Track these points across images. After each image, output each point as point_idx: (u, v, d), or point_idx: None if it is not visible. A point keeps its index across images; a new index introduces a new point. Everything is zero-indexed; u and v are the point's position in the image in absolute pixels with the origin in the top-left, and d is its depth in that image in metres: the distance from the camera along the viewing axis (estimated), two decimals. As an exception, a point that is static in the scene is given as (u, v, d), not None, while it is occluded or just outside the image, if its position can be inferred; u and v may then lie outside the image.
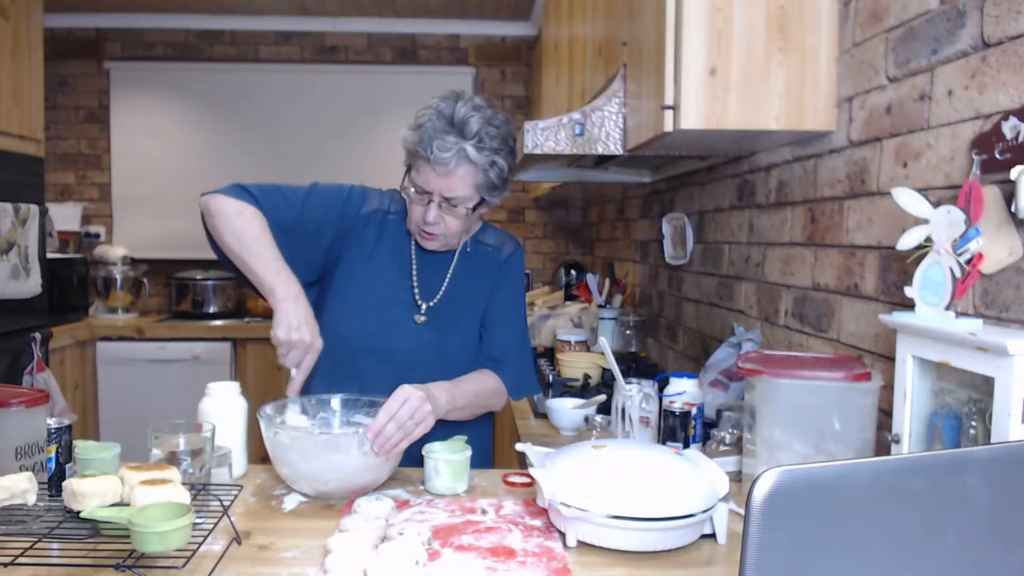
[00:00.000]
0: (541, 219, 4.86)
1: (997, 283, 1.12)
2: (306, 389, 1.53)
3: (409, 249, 1.65)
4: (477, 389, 1.57)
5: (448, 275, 1.65)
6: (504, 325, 1.67)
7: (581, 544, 1.16)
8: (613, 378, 1.75)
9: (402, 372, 1.51)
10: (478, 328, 1.66)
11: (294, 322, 1.43)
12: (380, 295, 1.61)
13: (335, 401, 1.51)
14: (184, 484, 1.15)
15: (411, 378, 1.45)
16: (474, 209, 1.54)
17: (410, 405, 1.34)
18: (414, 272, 1.63)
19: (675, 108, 1.53)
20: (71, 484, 1.10)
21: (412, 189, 1.53)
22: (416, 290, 1.63)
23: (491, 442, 1.80)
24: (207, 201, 1.54)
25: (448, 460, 1.39)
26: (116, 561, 0.99)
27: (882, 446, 1.28)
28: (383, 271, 1.62)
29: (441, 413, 1.44)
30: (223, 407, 1.45)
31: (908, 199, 1.18)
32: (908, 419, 1.14)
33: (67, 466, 1.33)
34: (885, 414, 1.33)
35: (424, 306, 1.62)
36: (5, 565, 1.00)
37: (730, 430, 1.58)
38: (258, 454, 1.42)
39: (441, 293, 1.64)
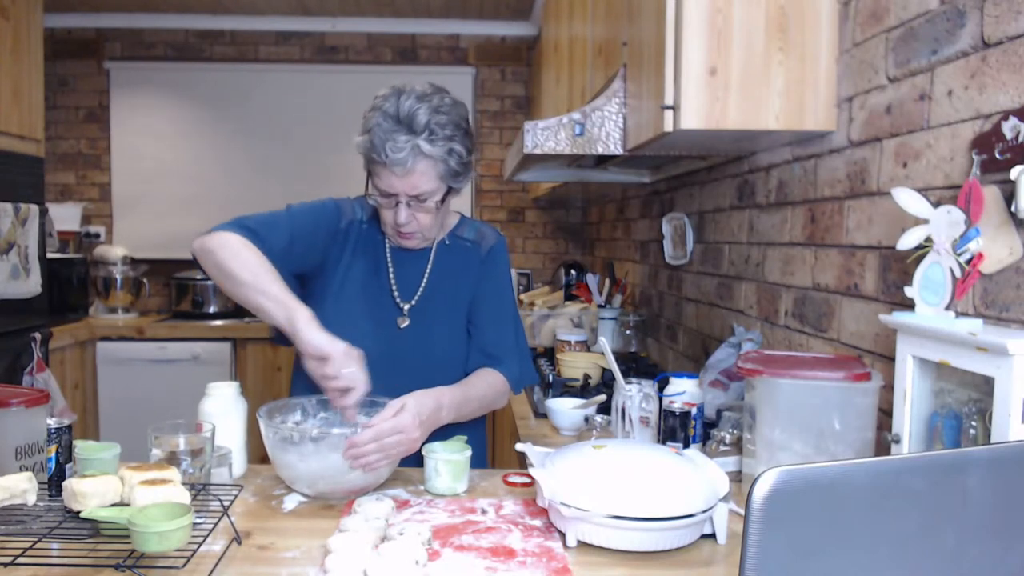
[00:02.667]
0: (541, 219, 4.86)
1: (997, 283, 1.12)
2: (291, 393, 1.53)
3: (384, 252, 1.63)
4: (484, 395, 1.56)
5: (426, 272, 1.63)
6: (496, 320, 1.66)
7: (581, 544, 1.16)
8: (613, 378, 1.75)
9: (390, 378, 1.50)
10: (464, 325, 1.65)
11: (317, 349, 1.34)
12: (360, 302, 1.59)
13: None
14: (184, 484, 1.16)
15: (397, 382, 1.44)
16: (443, 199, 1.53)
17: (399, 439, 1.31)
18: (391, 273, 1.62)
19: (675, 108, 1.53)
20: (71, 484, 1.10)
21: (377, 195, 1.51)
22: (395, 292, 1.61)
23: (486, 442, 1.79)
24: (204, 241, 1.46)
25: (448, 460, 1.39)
26: (116, 561, 0.99)
27: (882, 446, 1.28)
28: (360, 278, 1.60)
29: (442, 424, 1.44)
30: (223, 407, 1.45)
31: (908, 199, 1.18)
32: (908, 419, 1.14)
33: (67, 466, 1.33)
34: (885, 414, 1.33)
35: (406, 307, 1.61)
36: (5, 565, 1.00)
37: (730, 430, 1.58)
38: (258, 454, 1.42)
39: (421, 291, 1.62)
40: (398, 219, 1.51)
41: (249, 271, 1.41)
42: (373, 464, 1.31)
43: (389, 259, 1.63)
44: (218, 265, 1.43)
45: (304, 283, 1.61)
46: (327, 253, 1.60)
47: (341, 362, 1.32)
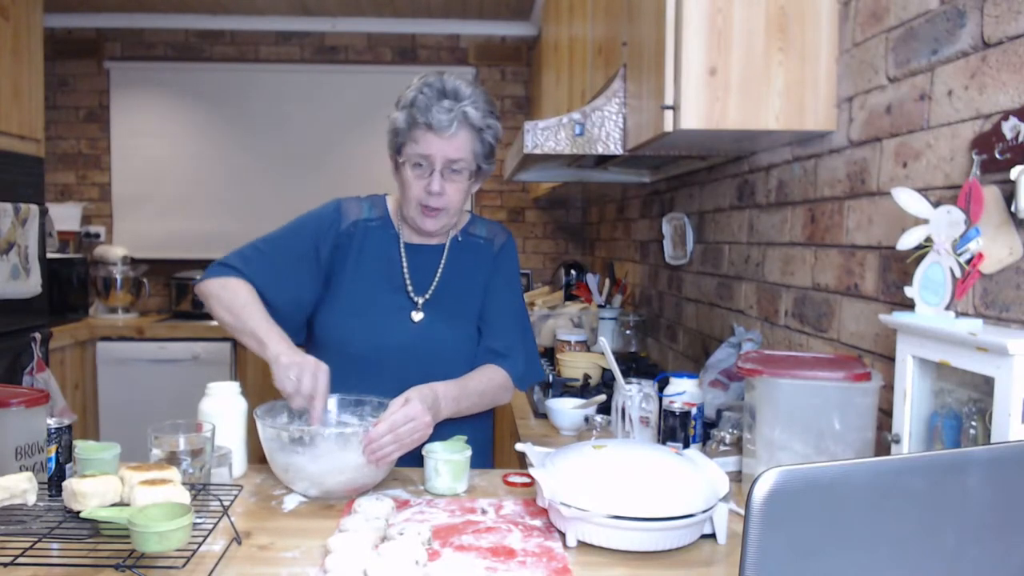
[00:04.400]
0: (541, 219, 4.86)
1: (997, 283, 1.12)
2: None
3: (397, 248, 1.64)
4: (483, 389, 1.56)
5: (440, 268, 1.64)
6: (503, 316, 1.66)
7: (581, 544, 1.16)
8: (613, 378, 1.75)
9: (402, 372, 1.51)
10: (476, 322, 1.65)
11: (292, 353, 1.42)
12: (373, 296, 1.60)
13: (331, 402, 1.51)
14: (184, 484, 1.15)
15: (411, 377, 1.45)
16: (471, 178, 1.57)
17: (413, 425, 1.35)
18: (404, 268, 1.63)
19: (675, 108, 1.53)
20: (71, 484, 1.10)
21: (408, 167, 1.54)
22: (409, 286, 1.62)
23: (492, 439, 1.79)
24: (198, 289, 1.59)
25: (448, 460, 1.39)
26: (116, 561, 0.99)
27: (882, 446, 1.28)
28: (372, 274, 1.62)
29: (443, 418, 1.45)
30: (223, 407, 1.45)
31: (908, 199, 1.18)
32: (908, 419, 1.14)
33: (67, 466, 1.33)
34: (885, 414, 1.33)
35: (419, 301, 1.62)
36: (5, 565, 1.00)
37: (730, 430, 1.58)
38: (258, 454, 1.42)
39: (434, 286, 1.63)
40: (432, 187, 1.53)
41: (230, 312, 1.53)
42: (391, 455, 1.34)
43: (403, 254, 1.64)
44: (210, 310, 1.57)
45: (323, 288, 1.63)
46: (332, 257, 1.62)
47: (307, 387, 1.40)
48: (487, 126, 1.54)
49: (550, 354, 2.88)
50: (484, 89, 1.58)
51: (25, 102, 3.12)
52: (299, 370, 1.38)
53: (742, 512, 0.66)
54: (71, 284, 4.00)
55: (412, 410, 1.35)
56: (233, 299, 1.53)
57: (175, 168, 4.57)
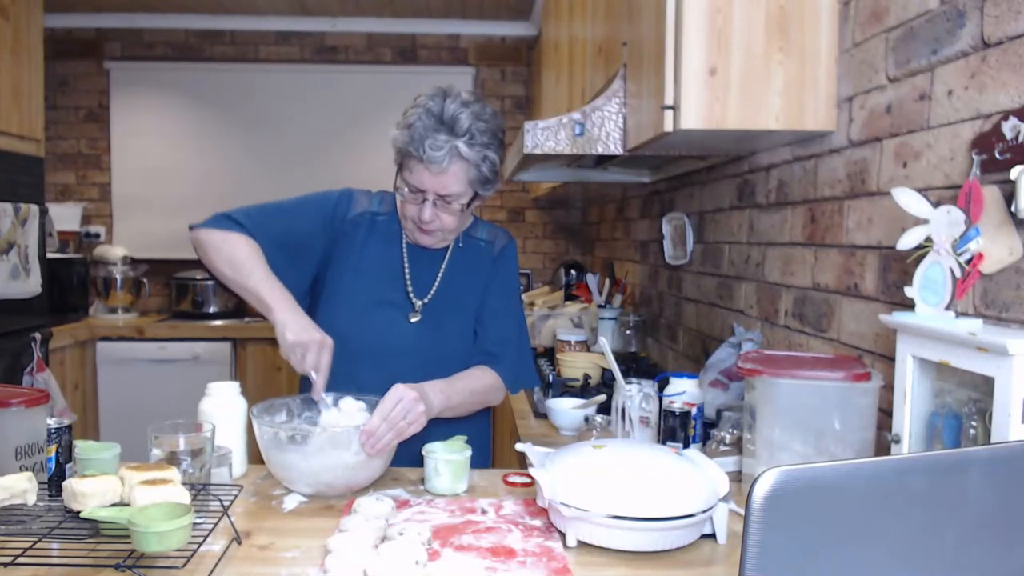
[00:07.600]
0: (541, 219, 4.86)
1: (997, 283, 1.12)
2: (300, 391, 1.53)
3: (400, 248, 1.64)
4: (473, 387, 1.57)
5: (441, 271, 1.65)
6: (499, 319, 1.67)
7: (581, 544, 1.16)
8: (613, 378, 1.75)
9: (397, 371, 1.51)
10: (473, 324, 1.66)
11: (297, 326, 1.43)
12: (372, 295, 1.61)
13: (328, 399, 1.51)
14: (184, 484, 1.15)
15: (406, 377, 1.45)
16: (468, 204, 1.54)
17: (403, 406, 1.36)
18: (406, 270, 1.63)
19: (675, 108, 1.53)
20: (71, 484, 1.10)
21: (405, 189, 1.53)
22: (409, 288, 1.63)
23: (489, 440, 1.80)
24: (195, 235, 1.57)
25: (448, 460, 1.39)
26: (116, 561, 0.99)
27: (882, 446, 1.28)
28: (374, 271, 1.62)
29: (435, 412, 1.45)
30: (223, 407, 1.45)
31: (908, 199, 1.18)
32: (908, 419, 1.14)
33: (67, 466, 1.33)
34: (885, 414, 1.33)
35: (418, 304, 1.62)
36: (5, 565, 1.00)
37: (730, 430, 1.58)
38: (258, 454, 1.42)
39: (434, 290, 1.63)
40: (422, 216, 1.52)
41: (230, 266, 1.51)
42: (390, 443, 1.35)
43: (405, 255, 1.64)
44: (207, 260, 1.56)
45: (316, 276, 1.63)
46: (335, 242, 1.62)
47: (314, 351, 1.43)
48: (483, 159, 1.49)
49: (550, 354, 2.88)
50: (491, 111, 1.52)
51: (25, 102, 3.12)
52: (303, 349, 1.42)
53: (742, 512, 0.66)
54: (71, 284, 4.00)
55: (396, 392, 1.37)
56: (234, 252, 1.51)
57: (175, 168, 4.57)
